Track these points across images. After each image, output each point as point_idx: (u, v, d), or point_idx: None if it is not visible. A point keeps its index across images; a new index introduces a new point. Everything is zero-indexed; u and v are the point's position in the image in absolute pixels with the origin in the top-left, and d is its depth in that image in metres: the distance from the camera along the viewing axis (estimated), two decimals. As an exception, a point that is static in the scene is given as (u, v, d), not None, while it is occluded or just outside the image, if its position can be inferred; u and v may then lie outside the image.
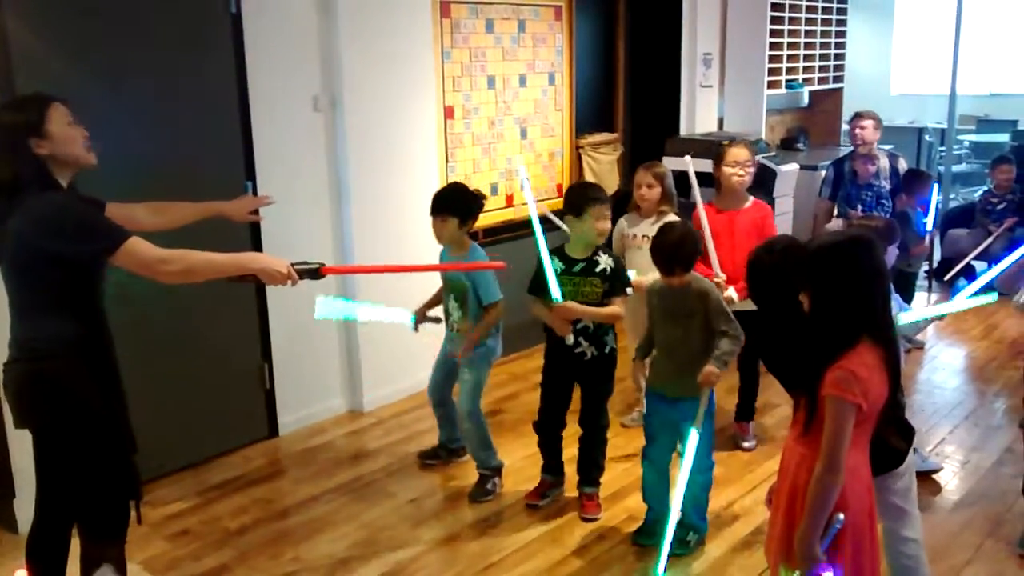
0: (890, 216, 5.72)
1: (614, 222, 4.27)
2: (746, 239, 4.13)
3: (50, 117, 2.62)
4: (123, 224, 2.85)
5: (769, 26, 7.10)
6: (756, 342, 3.09)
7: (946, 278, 6.86)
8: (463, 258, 3.96)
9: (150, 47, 3.93)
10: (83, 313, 2.66)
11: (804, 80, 7.84)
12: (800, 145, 7.90)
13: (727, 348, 3.37)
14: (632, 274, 3.97)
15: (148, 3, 3.94)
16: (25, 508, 3.64)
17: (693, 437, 3.14)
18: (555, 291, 3.53)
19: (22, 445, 3.41)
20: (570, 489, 4.01)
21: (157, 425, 3.94)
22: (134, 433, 2.85)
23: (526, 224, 5.95)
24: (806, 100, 8.26)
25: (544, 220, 3.81)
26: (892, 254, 3.65)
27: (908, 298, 5.47)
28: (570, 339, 3.67)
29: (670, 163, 6.12)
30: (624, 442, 4.47)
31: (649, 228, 4.25)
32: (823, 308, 2.36)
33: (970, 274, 7.02)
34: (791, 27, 7.45)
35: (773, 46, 7.22)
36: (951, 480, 4.14)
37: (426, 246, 4.10)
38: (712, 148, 5.13)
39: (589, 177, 6.30)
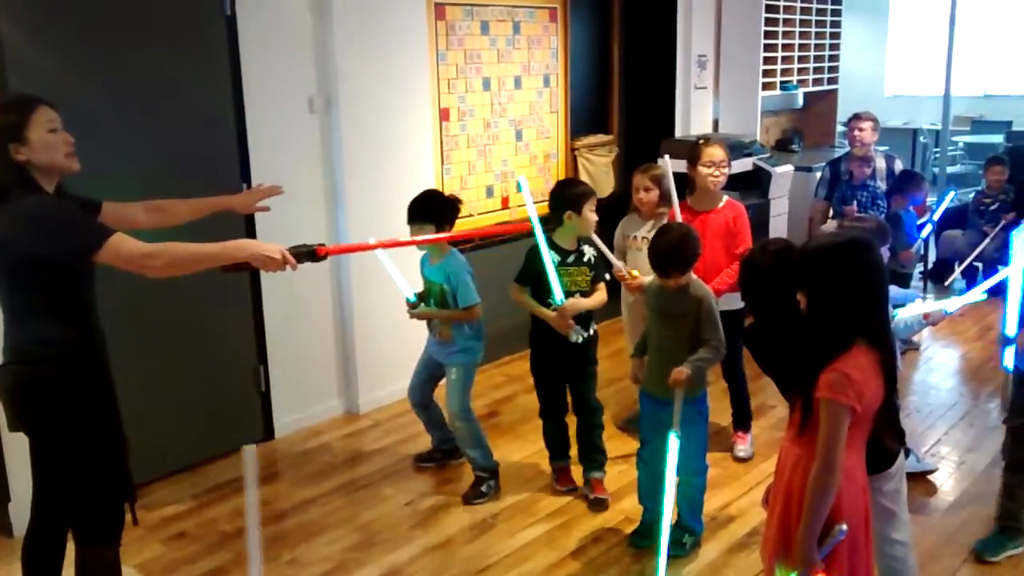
0: (884, 217, 5.74)
1: (611, 224, 4.29)
2: (718, 240, 4.12)
3: (32, 122, 2.59)
4: (120, 223, 2.85)
5: (764, 28, 7.12)
6: (747, 343, 3.08)
7: (946, 283, 6.88)
8: (443, 264, 3.97)
9: (145, 49, 3.92)
10: (72, 315, 2.66)
11: (799, 82, 7.87)
12: (795, 146, 7.93)
13: (704, 355, 3.36)
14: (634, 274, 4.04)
15: (142, 4, 3.93)
16: (20, 512, 3.64)
17: (673, 442, 3.12)
18: (558, 294, 3.66)
19: (17, 449, 3.41)
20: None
21: (153, 427, 3.94)
22: (127, 435, 2.84)
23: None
24: (801, 101, 8.28)
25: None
26: (884, 255, 3.66)
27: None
28: (573, 337, 3.80)
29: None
30: (620, 444, 4.47)
31: (649, 230, 4.28)
32: (819, 309, 2.36)
33: (970, 275, 7.06)
34: (786, 29, 7.47)
35: (768, 48, 7.24)
36: (946, 481, 4.15)
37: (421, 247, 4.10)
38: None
39: (584, 179, 6.30)
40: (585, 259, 3.89)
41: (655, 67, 6.81)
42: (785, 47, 7.51)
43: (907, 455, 4.03)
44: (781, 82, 7.57)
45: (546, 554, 3.59)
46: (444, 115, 5.37)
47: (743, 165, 6.23)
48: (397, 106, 4.93)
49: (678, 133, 6.83)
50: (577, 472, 4.08)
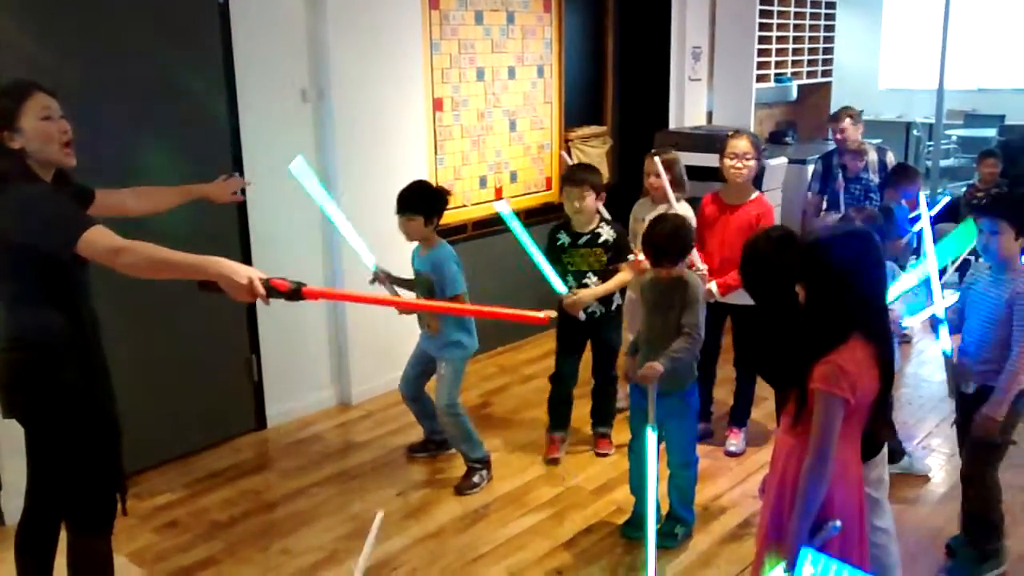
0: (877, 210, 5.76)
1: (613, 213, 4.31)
2: (739, 235, 4.10)
3: (25, 110, 2.55)
4: (111, 210, 2.83)
5: (758, 20, 7.10)
6: (745, 336, 3.09)
7: (942, 281, 6.89)
8: (430, 254, 3.96)
9: (136, 38, 3.90)
10: (65, 303, 2.64)
11: (793, 74, 7.86)
12: (788, 139, 7.92)
13: (678, 347, 3.35)
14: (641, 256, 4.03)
15: (135, -7, 3.91)
16: (13, 500, 3.64)
17: (651, 437, 3.11)
18: (559, 287, 3.89)
19: (9, 437, 3.40)
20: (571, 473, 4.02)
21: (145, 416, 3.93)
22: (120, 424, 2.83)
23: (515, 216, 5.97)
24: (795, 94, 8.26)
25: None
26: None
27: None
28: (582, 316, 4.02)
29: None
30: (612, 436, 4.47)
31: (654, 211, 4.30)
32: (817, 301, 2.36)
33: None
34: (780, 21, 7.45)
35: (762, 40, 7.23)
36: (937, 473, 4.16)
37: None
38: (702, 141, 5.15)
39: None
40: (601, 240, 4.10)
41: (649, 58, 6.80)
42: (779, 39, 7.50)
43: (901, 456, 4.07)
44: (775, 74, 7.56)
45: (538, 544, 3.59)
46: (438, 105, 5.36)
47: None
48: (390, 96, 4.92)
49: (672, 125, 6.83)
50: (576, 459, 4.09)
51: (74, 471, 2.71)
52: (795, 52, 7.80)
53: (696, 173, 5.17)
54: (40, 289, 2.60)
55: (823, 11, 8.14)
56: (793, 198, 6.75)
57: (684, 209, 4.22)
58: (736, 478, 4.11)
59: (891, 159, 6.21)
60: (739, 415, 4.40)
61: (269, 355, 4.63)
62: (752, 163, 4.18)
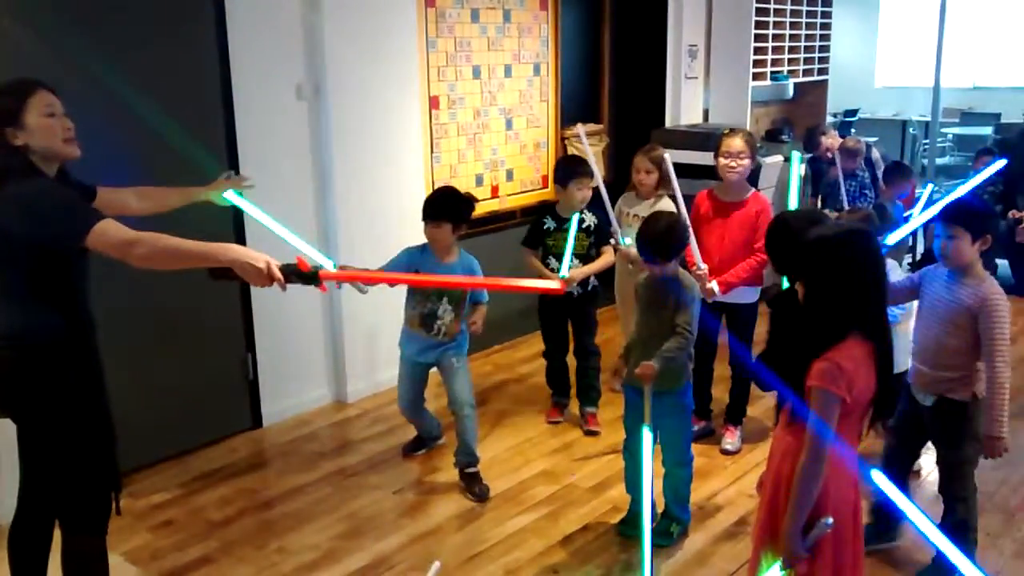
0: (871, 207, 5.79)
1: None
2: (740, 232, 4.10)
3: (29, 107, 2.57)
4: (112, 208, 2.82)
5: (754, 18, 7.11)
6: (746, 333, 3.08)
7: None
8: (459, 263, 3.96)
9: (131, 33, 3.89)
10: (62, 302, 2.64)
11: (789, 72, 7.86)
12: (785, 137, 7.92)
13: (671, 346, 3.33)
14: (627, 241, 4.24)
15: (130, -10, 3.91)
16: (6, 501, 3.63)
17: (647, 437, 3.11)
18: (564, 269, 4.18)
19: (5, 436, 3.40)
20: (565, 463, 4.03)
21: (141, 415, 3.93)
22: (115, 423, 2.82)
23: (510, 215, 5.98)
24: (791, 92, 8.28)
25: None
26: None
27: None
28: (575, 291, 4.42)
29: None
30: (606, 434, 4.48)
31: (646, 209, 4.39)
32: (815, 299, 2.36)
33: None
34: (776, 19, 7.46)
35: (758, 38, 7.23)
36: (932, 471, 4.16)
37: (411, 236, 4.09)
38: (698, 139, 5.16)
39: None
40: (584, 226, 4.38)
41: (645, 56, 6.80)
42: (776, 37, 7.50)
43: None
44: (771, 72, 7.56)
45: (534, 542, 3.59)
46: (434, 103, 5.35)
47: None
48: (387, 94, 4.91)
49: (668, 123, 6.83)
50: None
51: (68, 470, 2.70)
52: (791, 50, 7.80)
53: (692, 171, 5.18)
54: (39, 286, 2.60)
55: (819, 9, 8.15)
56: (787, 196, 6.76)
57: (665, 205, 4.37)
58: (732, 476, 4.11)
59: (876, 155, 6.26)
60: (735, 413, 4.40)
61: (265, 353, 4.63)
62: (746, 162, 4.16)
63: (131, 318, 3.96)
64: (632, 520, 3.60)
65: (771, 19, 7.36)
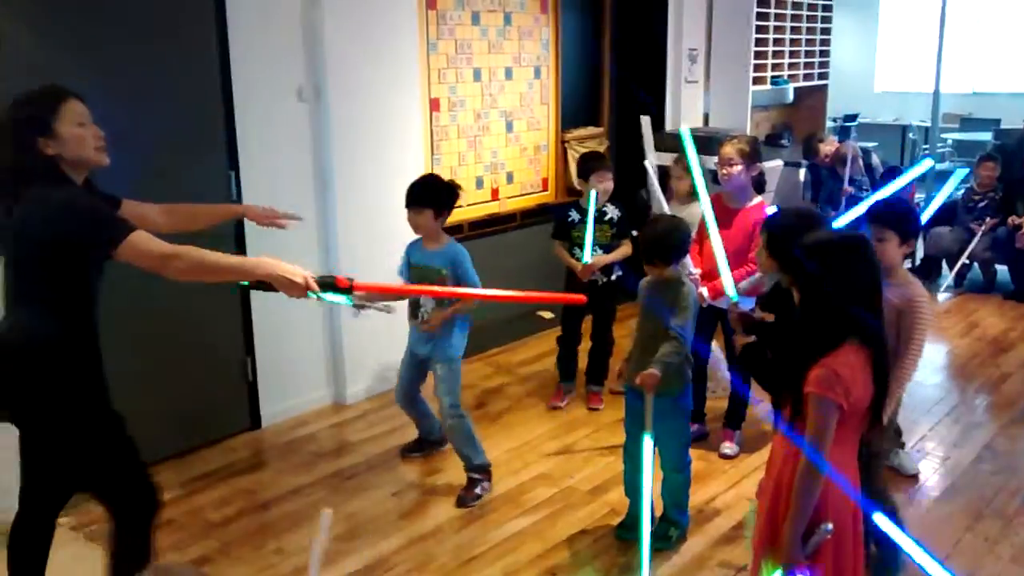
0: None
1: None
2: (735, 239, 4.10)
3: (60, 116, 2.55)
4: (136, 222, 2.80)
5: (755, 22, 7.12)
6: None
7: (942, 290, 6.96)
8: (443, 250, 3.94)
9: (132, 35, 3.89)
10: (75, 308, 2.62)
11: (789, 76, 7.88)
12: (785, 141, 7.94)
13: (666, 350, 3.33)
14: None
15: (132, -9, 3.91)
16: (5, 500, 3.63)
17: (647, 443, 3.09)
18: (587, 256, 4.57)
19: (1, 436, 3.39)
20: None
21: (140, 416, 3.89)
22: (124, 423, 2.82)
23: (510, 218, 5.98)
24: (791, 97, 8.29)
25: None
26: None
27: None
28: (597, 279, 4.69)
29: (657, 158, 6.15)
30: (606, 437, 4.48)
31: (678, 211, 4.68)
32: (811, 305, 2.36)
33: (961, 275, 7.11)
34: (776, 23, 7.47)
35: (758, 42, 7.24)
36: (931, 476, 4.17)
37: (411, 238, 4.09)
38: (698, 144, 5.15)
39: (574, 171, 6.31)
40: (607, 218, 4.71)
41: (646, 60, 6.81)
42: (776, 42, 7.52)
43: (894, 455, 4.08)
44: (771, 77, 7.58)
45: (532, 545, 3.59)
46: (434, 105, 5.36)
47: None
48: (387, 96, 4.91)
49: (668, 126, 6.83)
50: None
51: (91, 470, 2.71)
52: (791, 55, 7.82)
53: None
54: (55, 292, 2.58)
55: (819, 14, 8.16)
56: (788, 200, 6.77)
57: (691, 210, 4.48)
58: (730, 481, 4.11)
59: (876, 161, 6.29)
60: (733, 419, 4.40)
61: (264, 355, 4.63)
62: (737, 168, 4.16)
63: (131, 319, 3.95)
64: (631, 523, 3.60)
65: (771, 23, 7.38)
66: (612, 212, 4.73)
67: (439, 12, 5.28)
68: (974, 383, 5.31)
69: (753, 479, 4.04)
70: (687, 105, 7.02)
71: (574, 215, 4.75)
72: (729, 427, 4.39)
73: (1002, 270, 7.13)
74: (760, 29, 7.23)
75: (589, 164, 4.78)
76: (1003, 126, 10.37)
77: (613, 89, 6.71)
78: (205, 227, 3.19)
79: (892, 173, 5.95)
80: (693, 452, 3.69)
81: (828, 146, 6.66)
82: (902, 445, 4.23)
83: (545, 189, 6.26)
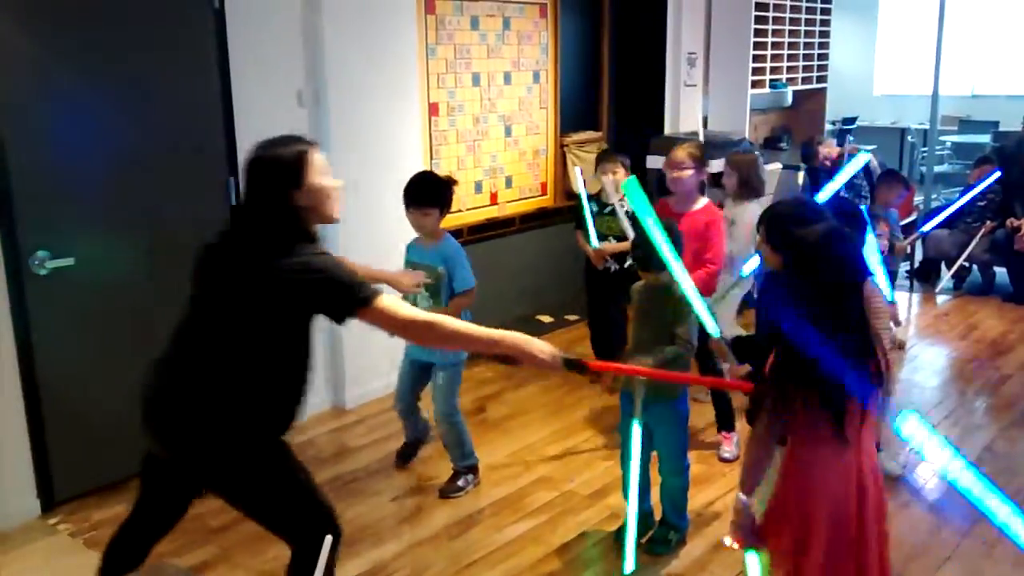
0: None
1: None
2: (689, 242, 4.04)
3: (310, 167, 2.50)
4: None
5: (753, 26, 7.14)
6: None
7: (937, 288, 6.97)
8: (441, 247, 3.93)
9: (132, 41, 3.90)
10: (291, 381, 2.66)
11: (788, 80, 7.89)
12: (783, 144, 7.96)
13: (669, 349, 3.34)
14: None
15: (131, -3, 3.92)
16: (12, 502, 3.64)
17: (636, 431, 3.08)
18: (593, 240, 4.80)
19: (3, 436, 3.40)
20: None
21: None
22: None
23: (509, 222, 5.99)
24: (790, 100, 8.30)
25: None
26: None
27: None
28: (610, 266, 4.86)
29: (651, 162, 6.16)
30: (605, 441, 4.48)
31: (731, 209, 4.69)
32: (795, 293, 2.38)
33: (960, 277, 7.12)
34: (775, 27, 7.49)
35: (757, 46, 7.26)
36: (930, 479, 4.17)
37: (410, 241, 4.09)
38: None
39: (572, 175, 6.32)
40: (624, 209, 4.78)
41: (645, 64, 6.82)
42: (775, 45, 7.53)
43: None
44: (770, 80, 7.59)
45: (532, 550, 3.59)
46: (433, 110, 5.37)
47: (732, 163, 6.24)
48: (386, 100, 4.92)
49: (667, 130, 6.84)
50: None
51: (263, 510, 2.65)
52: (790, 58, 7.84)
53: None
54: (273, 366, 2.55)
55: (818, 17, 8.18)
56: (788, 204, 6.78)
57: (750, 208, 4.54)
58: (729, 484, 4.10)
59: (874, 164, 6.29)
60: (725, 420, 4.38)
61: (264, 359, 4.62)
62: (687, 172, 4.21)
63: (134, 327, 3.96)
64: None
65: (770, 27, 7.39)
66: (628, 206, 4.68)
67: (438, 17, 5.29)
68: (973, 385, 5.31)
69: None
70: (686, 109, 7.02)
71: (593, 207, 4.89)
72: (724, 429, 4.38)
73: (1001, 272, 7.14)
74: (759, 32, 7.25)
75: (598, 158, 5.12)
76: (1002, 128, 10.37)
77: (612, 93, 6.72)
78: None
79: (888, 176, 5.95)
80: (691, 456, 3.70)
81: (827, 149, 6.67)
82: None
83: (544, 193, 6.27)
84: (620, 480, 3.71)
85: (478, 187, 5.76)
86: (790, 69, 7.89)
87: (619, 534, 3.65)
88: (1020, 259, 6.81)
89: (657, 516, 3.64)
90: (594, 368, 2.69)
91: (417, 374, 4.09)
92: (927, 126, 8.83)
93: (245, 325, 2.48)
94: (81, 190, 3.77)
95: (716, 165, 5.96)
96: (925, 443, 2.09)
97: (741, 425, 4.48)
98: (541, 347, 2.58)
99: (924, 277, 7.28)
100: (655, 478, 3.60)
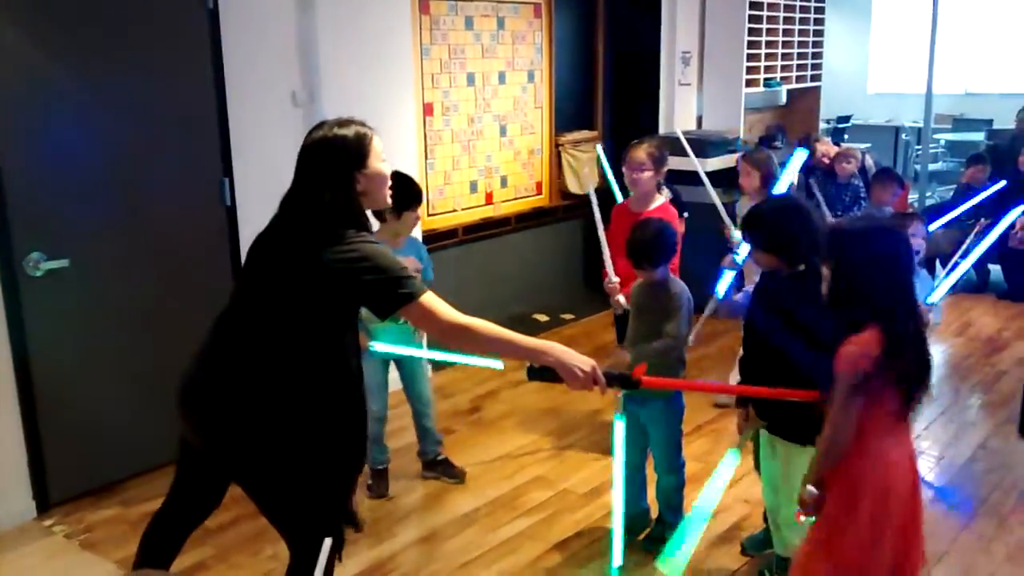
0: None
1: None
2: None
3: (372, 150, 2.48)
4: None
5: (747, 24, 7.15)
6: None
7: (936, 293, 6.97)
8: (412, 243, 3.98)
9: (126, 41, 3.90)
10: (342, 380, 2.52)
11: (782, 78, 7.90)
12: (778, 143, 7.95)
13: (656, 346, 3.34)
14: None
15: (125, -2, 3.91)
16: (7, 503, 3.63)
17: (619, 426, 3.07)
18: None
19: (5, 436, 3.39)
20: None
21: (138, 421, 3.93)
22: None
23: (505, 222, 5.99)
24: (784, 98, 8.31)
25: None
26: None
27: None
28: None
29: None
30: (600, 439, 4.48)
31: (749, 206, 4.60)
32: (840, 289, 2.43)
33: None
34: (769, 26, 7.49)
35: (751, 44, 7.27)
36: (926, 475, 4.18)
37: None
38: (691, 146, 5.18)
39: (568, 175, 6.32)
40: None
41: (639, 63, 6.83)
42: (769, 44, 7.54)
43: None
44: (764, 79, 7.60)
45: (529, 548, 3.60)
46: (428, 110, 5.37)
47: (725, 161, 6.25)
48: (381, 100, 4.91)
49: (662, 129, 6.85)
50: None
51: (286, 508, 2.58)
52: (784, 57, 7.84)
53: (685, 178, 5.20)
54: (324, 361, 2.45)
55: (812, 16, 8.19)
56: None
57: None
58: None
59: (869, 162, 6.30)
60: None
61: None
62: (647, 173, 4.19)
63: (132, 328, 3.96)
64: (625, 525, 3.60)
65: (764, 26, 7.40)
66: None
67: (432, 17, 5.29)
68: (968, 382, 5.32)
69: (747, 481, 4.04)
70: (680, 108, 7.04)
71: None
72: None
73: (995, 270, 7.15)
74: (753, 31, 7.25)
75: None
76: (995, 126, 10.39)
77: (607, 92, 6.73)
78: None
79: (883, 175, 5.96)
80: (686, 453, 3.70)
81: (824, 146, 6.64)
82: None
83: (539, 193, 6.27)
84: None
85: (473, 187, 5.76)
86: (784, 67, 7.90)
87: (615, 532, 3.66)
88: (1014, 257, 6.83)
89: (653, 514, 3.64)
90: (647, 385, 2.47)
91: (384, 372, 4.00)
92: (921, 124, 8.86)
93: (289, 315, 2.41)
94: (75, 191, 3.77)
95: (712, 163, 6.00)
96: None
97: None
98: (582, 359, 2.40)
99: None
100: (650, 476, 3.60)
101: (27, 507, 3.79)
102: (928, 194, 8.59)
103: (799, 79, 8.17)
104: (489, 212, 5.90)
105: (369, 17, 4.78)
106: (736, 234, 4.31)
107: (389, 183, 2.55)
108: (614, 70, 6.75)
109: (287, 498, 2.54)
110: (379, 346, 3.53)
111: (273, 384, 2.43)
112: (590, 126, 6.65)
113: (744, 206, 4.79)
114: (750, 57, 7.27)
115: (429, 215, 5.46)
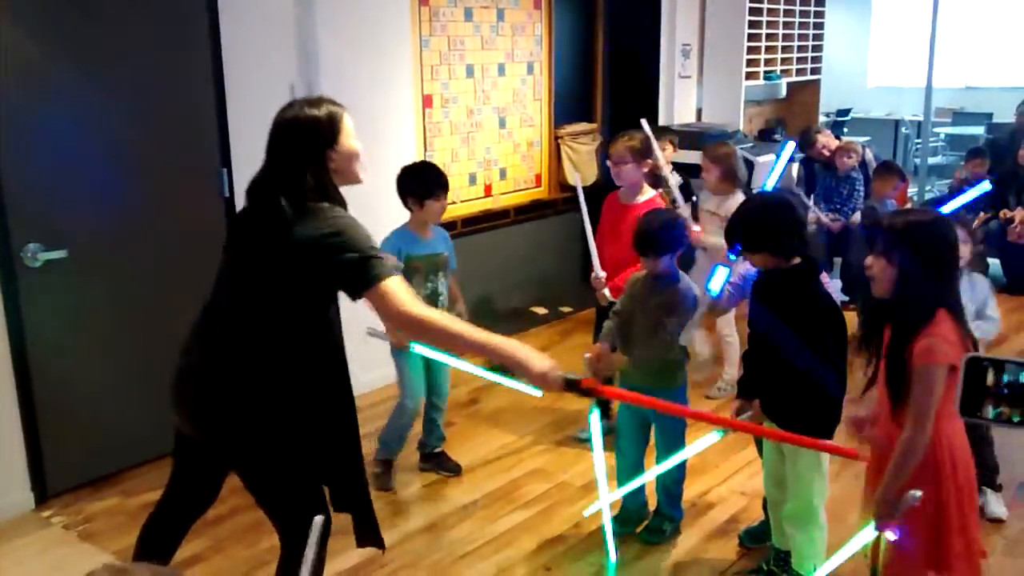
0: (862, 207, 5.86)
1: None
2: (628, 236, 3.87)
3: (343, 127, 2.52)
4: None
5: (748, 17, 7.14)
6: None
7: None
8: (440, 233, 4.04)
9: (125, 33, 3.89)
10: (313, 337, 2.59)
11: (782, 71, 7.89)
12: (778, 136, 7.96)
13: (656, 358, 3.42)
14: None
15: (123, -12, 3.90)
16: (7, 496, 3.64)
17: (594, 418, 3.06)
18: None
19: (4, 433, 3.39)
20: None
21: (136, 413, 3.93)
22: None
23: (504, 214, 5.98)
24: (784, 91, 8.31)
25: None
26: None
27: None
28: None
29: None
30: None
31: (713, 205, 4.69)
32: (909, 281, 2.43)
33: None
34: (769, 18, 7.49)
35: (751, 37, 7.26)
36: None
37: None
38: (691, 138, 5.19)
39: (567, 167, 6.31)
40: (669, 183, 4.74)
41: (639, 55, 6.81)
42: (769, 37, 7.53)
43: None
44: (764, 72, 7.59)
45: (527, 540, 3.60)
46: (427, 102, 5.36)
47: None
48: (380, 93, 4.91)
49: (662, 122, 6.85)
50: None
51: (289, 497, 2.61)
52: (784, 50, 7.84)
53: (686, 170, 5.21)
54: (291, 321, 2.47)
55: (812, 8, 8.18)
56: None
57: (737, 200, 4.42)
58: (723, 475, 4.12)
59: (869, 156, 6.29)
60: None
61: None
62: (627, 166, 4.17)
63: (130, 319, 3.96)
64: (624, 517, 3.62)
65: (764, 18, 7.39)
66: (674, 179, 4.90)
67: (432, 8, 5.28)
68: (966, 377, 5.31)
69: (746, 473, 4.05)
70: (680, 100, 7.03)
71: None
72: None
73: (994, 263, 7.15)
74: (753, 24, 7.24)
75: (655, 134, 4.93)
76: (995, 120, 10.38)
77: (606, 85, 6.71)
78: None
79: (884, 168, 5.96)
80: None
81: (825, 138, 6.60)
82: (994, 483, 3.77)
83: (538, 185, 6.26)
84: (613, 471, 3.71)
85: (472, 179, 5.75)
86: (784, 61, 7.89)
87: (613, 524, 3.66)
88: (1013, 250, 6.82)
89: (652, 506, 3.65)
90: (599, 393, 2.43)
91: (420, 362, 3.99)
92: (921, 118, 8.85)
93: (271, 292, 2.43)
94: (73, 182, 3.76)
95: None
96: None
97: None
98: (539, 362, 2.35)
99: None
100: (649, 468, 3.61)
101: (26, 498, 3.80)
102: (928, 188, 8.57)
103: (799, 72, 8.17)
104: (488, 204, 5.89)
105: (368, 9, 4.77)
106: (697, 228, 4.42)
107: (360, 160, 2.57)
108: (614, 62, 6.74)
109: (278, 476, 2.57)
110: (418, 348, 3.53)
111: (259, 359, 2.45)
112: (589, 118, 6.64)
113: (704, 201, 4.80)
114: (750, 50, 7.26)
115: (428, 207, 5.45)
